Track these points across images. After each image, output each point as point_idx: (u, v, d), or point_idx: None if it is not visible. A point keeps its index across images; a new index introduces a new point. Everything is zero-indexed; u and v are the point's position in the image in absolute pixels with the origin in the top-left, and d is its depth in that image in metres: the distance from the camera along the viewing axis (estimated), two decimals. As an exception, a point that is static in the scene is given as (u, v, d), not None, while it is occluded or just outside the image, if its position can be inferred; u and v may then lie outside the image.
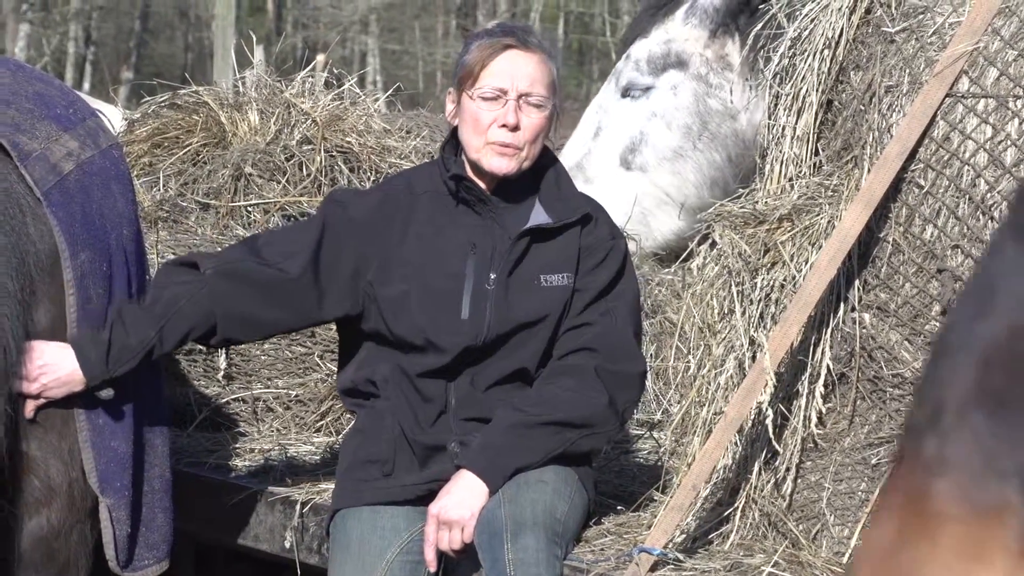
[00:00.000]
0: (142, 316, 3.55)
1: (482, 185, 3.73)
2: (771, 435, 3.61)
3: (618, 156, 6.01)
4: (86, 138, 3.57)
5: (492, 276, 3.69)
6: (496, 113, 3.66)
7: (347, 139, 5.84)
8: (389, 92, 6.89)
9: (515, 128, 3.66)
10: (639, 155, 5.91)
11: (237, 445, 4.70)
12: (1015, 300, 0.93)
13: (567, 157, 5.87)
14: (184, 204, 5.75)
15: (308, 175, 5.73)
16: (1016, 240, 0.95)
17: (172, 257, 3.71)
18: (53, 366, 3.45)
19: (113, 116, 6.40)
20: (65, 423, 3.50)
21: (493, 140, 3.66)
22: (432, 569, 3.56)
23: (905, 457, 0.99)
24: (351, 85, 6.27)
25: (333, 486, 3.87)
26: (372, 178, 5.76)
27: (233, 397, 4.96)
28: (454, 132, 3.78)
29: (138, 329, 3.53)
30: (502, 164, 3.68)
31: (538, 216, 3.73)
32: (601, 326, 3.67)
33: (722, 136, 5.90)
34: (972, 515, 0.95)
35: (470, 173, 3.74)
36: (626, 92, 6.08)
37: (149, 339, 3.54)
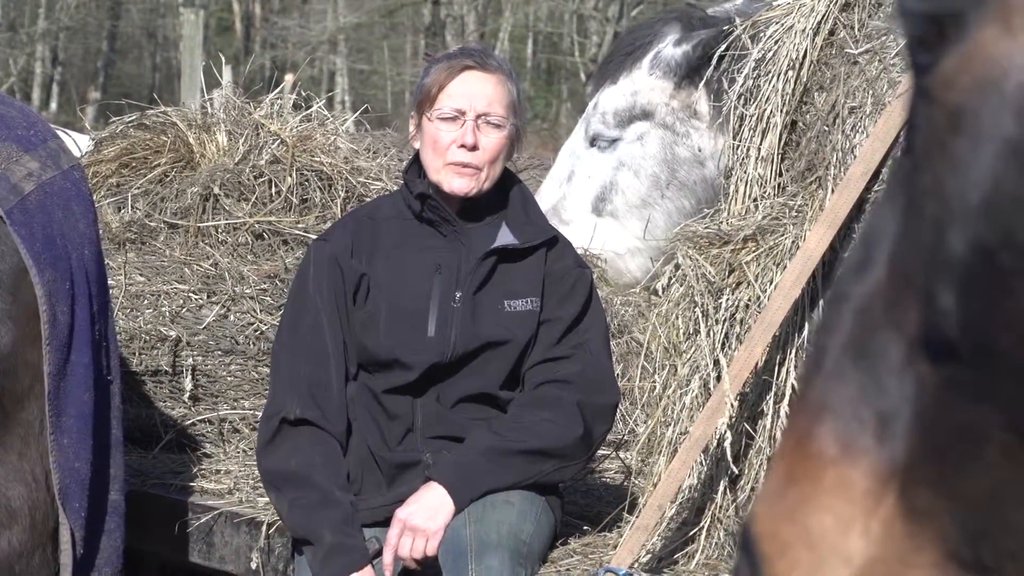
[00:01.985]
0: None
1: (448, 207, 3.74)
2: (729, 457, 3.61)
3: (589, 203, 6.09)
4: (47, 159, 3.56)
5: (458, 295, 3.69)
6: (455, 134, 3.67)
7: (316, 159, 5.84)
8: (357, 113, 6.90)
9: (473, 148, 3.67)
10: (609, 203, 5.96)
11: (203, 466, 4.69)
12: (884, 258, 0.99)
13: (543, 199, 5.93)
14: (152, 224, 5.74)
15: (279, 193, 5.73)
16: (890, 199, 1.00)
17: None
18: None
19: (82, 142, 6.39)
20: (26, 444, 3.48)
21: (452, 160, 3.67)
22: (388, 574, 3.54)
23: (798, 402, 1.04)
24: (319, 107, 6.28)
25: (299, 507, 3.86)
26: (344, 196, 5.76)
27: (199, 418, 4.94)
28: (417, 155, 3.79)
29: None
30: (462, 184, 3.69)
31: (504, 237, 3.75)
32: (576, 359, 3.69)
33: (691, 183, 5.96)
34: (843, 456, 1.00)
35: (434, 194, 3.75)
36: (593, 142, 6.15)
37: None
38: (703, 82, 5.76)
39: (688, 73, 5.93)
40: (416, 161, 3.80)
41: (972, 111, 0.91)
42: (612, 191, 6.02)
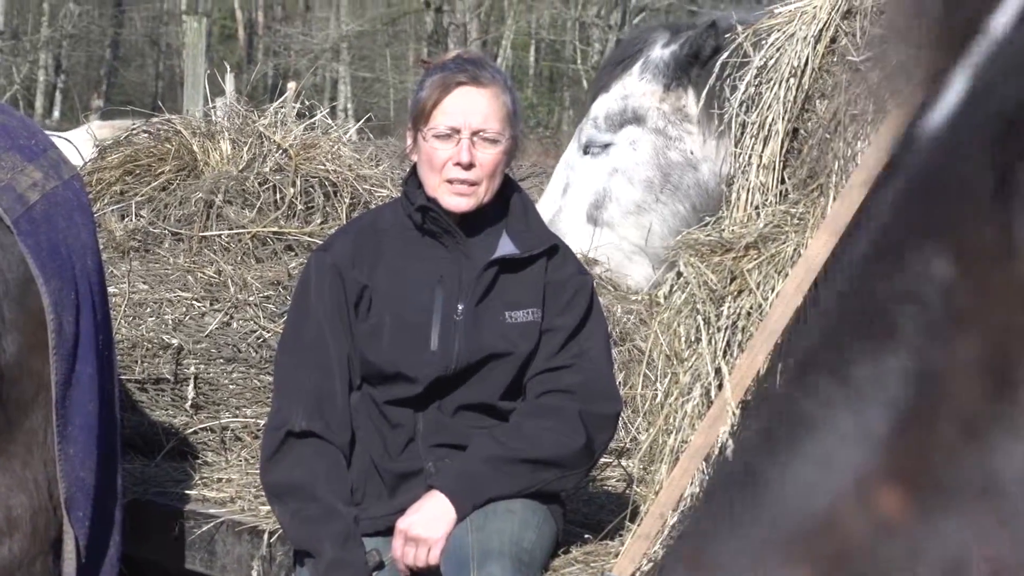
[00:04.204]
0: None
1: (447, 218, 3.74)
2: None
3: (585, 213, 6.10)
4: (49, 169, 3.57)
5: (460, 307, 3.69)
6: (451, 151, 3.66)
7: (321, 167, 5.86)
8: (360, 122, 6.91)
9: (469, 166, 3.66)
10: (605, 211, 5.97)
11: (205, 474, 4.69)
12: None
13: (541, 211, 5.95)
14: (156, 232, 5.75)
15: (283, 198, 5.73)
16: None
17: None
18: None
19: (84, 141, 6.39)
20: (29, 452, 3.48)
21: (449, 178, 3.67)
22: None
23: None
24: (323, 115, 6.29)
25: (301, 516, 3.86)
26: (349, 202, 5.77)
27: (201, 426, 4.95)
28: (415, 167, 3.79)
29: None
30: (460, 203, 3.69)
31: (505, 246, 3.74)
32: (578, 369, 3.68)
33: (684, 187, 5.97)
34: None
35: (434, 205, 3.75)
36: (586, 149, 6.17)
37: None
38: (691, 82, 5.78)
39: (677, 74, 5.95)
40: (416, 172, 3.80)
41: None
42: (607, 198, 6.03)
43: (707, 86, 5.31)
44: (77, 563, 3.55)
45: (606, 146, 6.08)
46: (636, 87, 6.09)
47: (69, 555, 3.53)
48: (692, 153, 5.95)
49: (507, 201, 3.79)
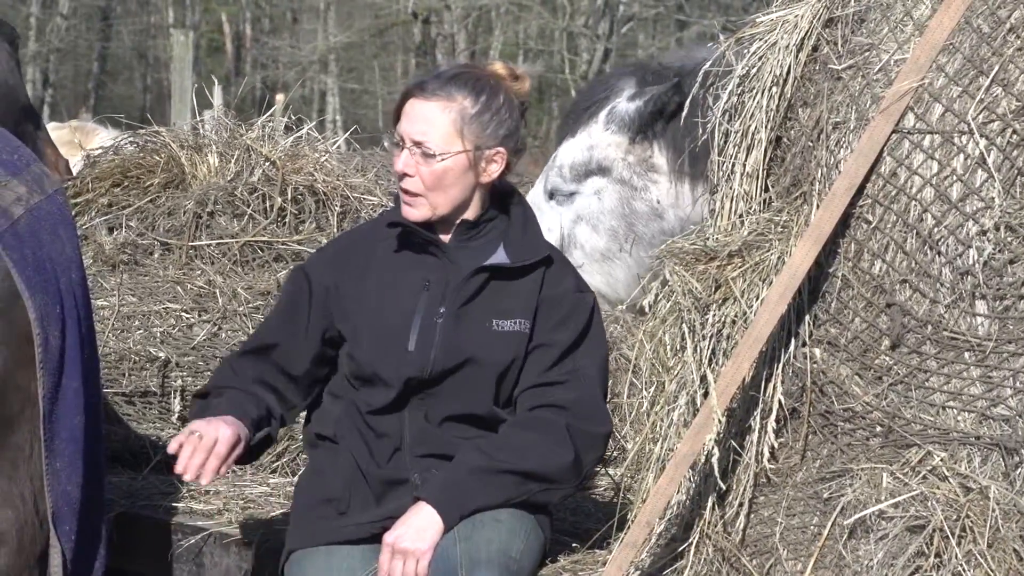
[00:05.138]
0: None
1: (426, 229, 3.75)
2: (716, 473, 3.61)
3: None
4: (32, 183, 3.57)
5: (442, 310, 3.70)
6: (399, 161, 3.70)
7: (310, 176, 5.87)
8: (347, 133, 6.92)
9: (404, 176, 3.69)
10: (570, 256, 6.00)
11: (192, 487, 4.68)
12: None
13: None
14: (144, 243, 5.75)
15: (272, 207, 5.74)
16: None
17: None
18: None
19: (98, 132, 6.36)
20: (15, 466, 3.48)
21: (401, 187, 3.72)
22: None
23: None
24: (310, 129, 6.30)
25: (288, 527, 3.86)
26: (339, 211, 5.78)
27: (188, 439, 4.93)
28: None
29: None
30: (411, 212, 3.73)
31: (498, 256, 3.75)
32: (571, 386, 3.68)
33: (649, 235, 6.00)
34: None
35: None
36: (551, 195, 6.19)
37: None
38: (656, 135, 5.83)
39: (642, 128, 5.99)
40: None
41: None
42: (572, 244, 6.07)
43: (673, 136, 5.38)
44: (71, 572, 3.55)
45: (571, 195, 6.11)
46: (601, 138, 6.11)
47: (56, 569, 3.53)
48: (658, 202, 6.00)
49: (508, 211, 3.80)
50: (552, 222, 6.06)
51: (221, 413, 3.63)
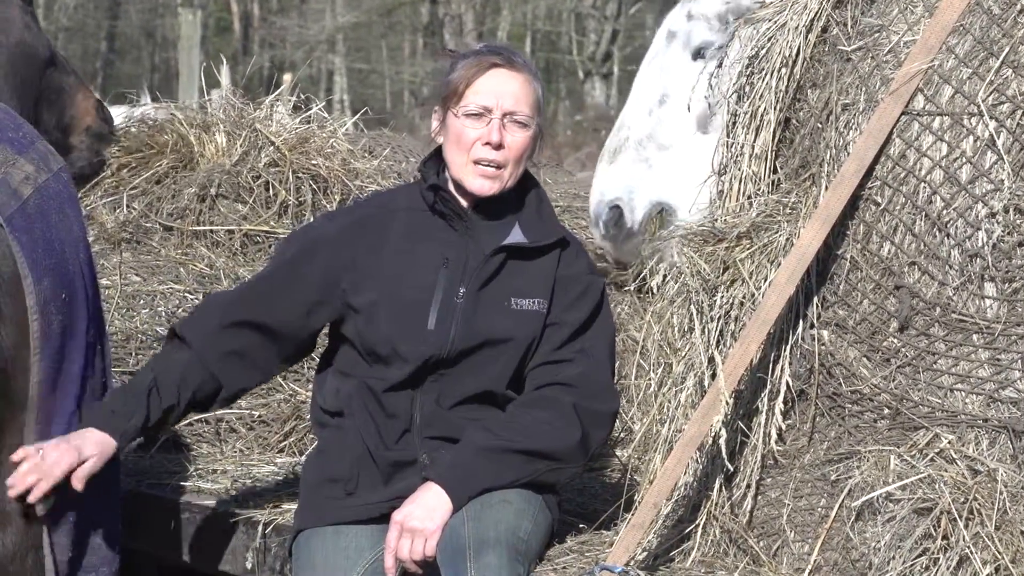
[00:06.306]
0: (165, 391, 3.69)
1: (463, 201, 3.74)
2: (723, 454, 3.61)
3: (695, 121, 5.77)
4: (39, 161, 3.56)
5: (462, 290, 3.70)
6: (481, 131, 3.68)
7: (313, 162, 5.86)
8: (357, 116, 6.91)
9: (499, 146, 3.67)
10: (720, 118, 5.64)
11: (200, 466, 4.70)
12: None
13: (631, 129, 5.70)
14: (148, 225, 5.75)
15: (275, 196, 5.73)
16: None
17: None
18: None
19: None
20: (22, 446, 3.48)
21: (477, 158, 3.68)
22: None
23: None
24: (319, 109, 6.29)
25: (296, 506, 3.87)
26: (340, 199, 5.77)
27: (196, 418, 4.95)
28: (438, 150, 3.80)
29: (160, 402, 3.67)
30: (484, 185, 3.70)
31: (515, 236, 3.75)
32: (579, 364, 3.68)
33: None
34: None
35: (452, 188, 3.76)
36: (699, 53, 5.86)
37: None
38: None
39: None
40: (435, 155, 3.81)
41: None
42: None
43: None
44: (54, 556, 3.54)
45: (722, 48, 5.76)
46: None
47: (46, 551, 3.53)
48: None
49: (524, 194, 3.80)
50: (693, 83, 5.50)
51: (137, 395, 3.64)
